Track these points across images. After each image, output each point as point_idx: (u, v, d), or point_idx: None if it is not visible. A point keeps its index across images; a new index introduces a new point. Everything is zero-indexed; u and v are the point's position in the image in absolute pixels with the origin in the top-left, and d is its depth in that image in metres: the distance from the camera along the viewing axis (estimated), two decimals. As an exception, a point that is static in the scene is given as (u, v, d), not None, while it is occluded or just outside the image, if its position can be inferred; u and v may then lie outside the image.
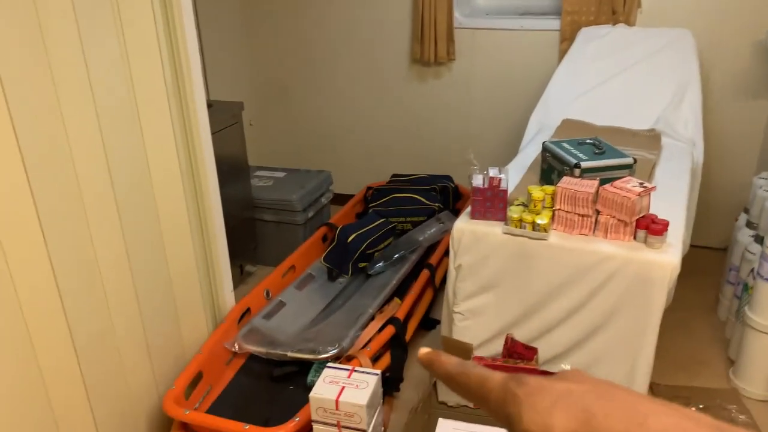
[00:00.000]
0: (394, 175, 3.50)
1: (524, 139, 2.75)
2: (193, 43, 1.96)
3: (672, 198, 1.95)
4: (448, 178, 3.37)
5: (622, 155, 1.84)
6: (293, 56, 3.69)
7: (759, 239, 2.33)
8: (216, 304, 2.27)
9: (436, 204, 3.13)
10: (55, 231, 1.50)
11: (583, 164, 1.80)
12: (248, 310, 2.36)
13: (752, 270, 2.26)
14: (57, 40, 1.48)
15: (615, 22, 2.91)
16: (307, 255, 2.85)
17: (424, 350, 0.46)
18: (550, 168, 1.94)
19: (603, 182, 1.75)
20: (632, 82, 2.73)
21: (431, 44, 3.27)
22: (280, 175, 3.28)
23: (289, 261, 2.73)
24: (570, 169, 1.82)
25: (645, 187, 1.67)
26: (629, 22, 2.90)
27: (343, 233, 2.75)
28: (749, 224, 2.47)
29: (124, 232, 1.75)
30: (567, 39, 3.01)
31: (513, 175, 2.16)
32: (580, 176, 1.80)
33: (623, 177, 1.75)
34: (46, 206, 1.47)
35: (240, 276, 3.08)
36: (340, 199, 3.84)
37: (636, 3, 2.89)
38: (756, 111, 2.91)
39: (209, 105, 2.84)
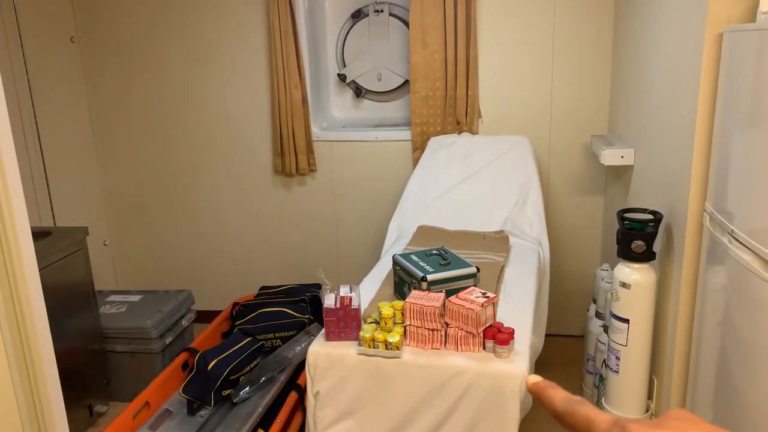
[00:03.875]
0: (262, 288, 3.39)
1: (385, 245, 2.79)
2: (13, 168, 1.81)
3: (519, 301, 2.01)
4: (318, 286, 3.31)
5: (466, 265, 1.89)
6: (150, 172, 3.57)
7: (607, 329, 2.46)
8: (48, 464, 1.97)
9: (306, 316, 3.04)
10: None
11: (429, 277, 1.82)
12: (88, 464, 2.07)
13: (604, 360, 2.36)
14: None
15: (460, 131, 3.12)
16: (165, 387, 2.61)
17: (533, 379, 0.45)
18: (402, 281, 1.95)
19: (450, 293, 1.77)
20: (480, 186, 2.89)
21: (291, 157, 3.31)
22: (135, 298, 3.06)
23: (143, 397, 2.47)
24: (418, 282, 1.83)
25: (488, 297, 1.71)
26: (472, 131, 3.12)
27: (202, 360, 2.56)
28: (598, 315, 2.61)
29: None
30: (419, 148, 3.17)
31: (370, 288, 2.15)
32: (428, 289, 1.81)
33: (468, 287, 1.79)
34: None
35: (90, 418, 2.75)
36: (208, 317, 3.63)
37: (477, 113, 3.13)
38: (593, 206, 3.18)
39: (47, 233, 2.64)
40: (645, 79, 2.38)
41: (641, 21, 2.45)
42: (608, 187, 3.09)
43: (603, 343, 2.44)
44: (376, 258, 3.45)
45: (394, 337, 1.70)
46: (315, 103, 3.34)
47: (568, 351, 3.20)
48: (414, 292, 1.78)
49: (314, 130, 3.32)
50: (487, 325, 1.71)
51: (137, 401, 2.45)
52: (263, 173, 3.47)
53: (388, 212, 3.33)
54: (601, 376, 2.40)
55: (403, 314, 1.76)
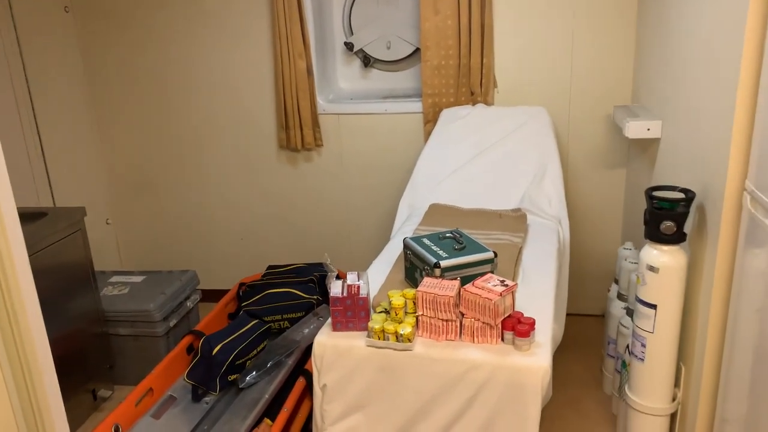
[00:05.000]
0: (269, 267, 3.28)
1: (395, 225, 2.66)
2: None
3: (539, 286, 1.88)
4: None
5: (483, 249, 1.76)
6: (152, 147, 3.45)
7: (630, 312, 2.33)
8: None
9: (315, 296, 2.93)
10: None
11: (443, 263, 1.69)
12: (88, 456, 2.00)
13: (627, 346, 2.23)
14: None
15: (474, 102, 2.95)
16: (169, 372, 2.52)
17: None
18: (413, 266, 1.82)
19: (465, 281, 1.64)
20: (496, 161, 2.73)
21: (297, 131, 3.16)
22: (138, 279, 2.96)
23: (146, 383, 2.39)
24: (430, 268, 1.70)
25: (506, 285, 1.58)
26: (487, 102, 2.95)
27: (206, 344, 2.47)
28: (620, 296, 2.48)
29: None
30: (430, 120, 3.01)
31: (380, 271, 2.03)
32: (441, 276, 1.68)
33: (485, 274, 1.65)
34: None
35: (93, 402, 2.69)
36: (215, 296, 3.55)
37: (492, 83, 2.95)
38: (614, 182, 3.02)
39: (43, 214, 2.53)
40: (675, 41, 2.19)
41: (672, -20, 2.25)
42: (631, 162, 2.92)
43: (626, 327, 2.31)
44: (386, 236, 3.32)
45: (406, 329, 1.59)
46: (320, 73, 3.18)
47: (586, 331, 3.07)
48: (426, 280, 1.65)
49: (320, 102, 3.17)
50: (505, 316, 1.58)
51: (140, 388, 2.37)
52: (268, 148, 3.33)
53: (398, 188, 3.19)
54: (623, 361, 2.28)
55: (414, 303, 1.64)
